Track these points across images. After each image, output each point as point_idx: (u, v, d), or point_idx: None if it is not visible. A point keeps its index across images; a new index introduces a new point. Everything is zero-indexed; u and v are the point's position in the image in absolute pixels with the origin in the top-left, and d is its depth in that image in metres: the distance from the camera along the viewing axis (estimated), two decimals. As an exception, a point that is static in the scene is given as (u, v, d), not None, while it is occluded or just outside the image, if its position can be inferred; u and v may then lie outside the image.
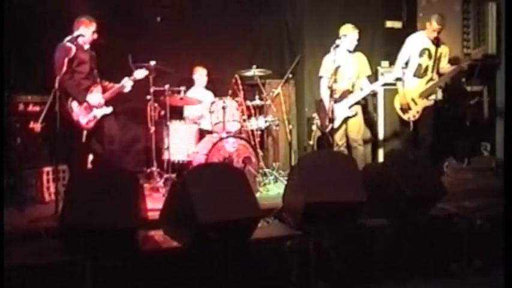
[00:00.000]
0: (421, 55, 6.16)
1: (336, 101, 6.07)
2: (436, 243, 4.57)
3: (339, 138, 6.21)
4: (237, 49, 7.21)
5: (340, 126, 6.18)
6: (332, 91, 5.89)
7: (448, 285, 4.37)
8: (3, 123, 5.22)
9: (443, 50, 6.18)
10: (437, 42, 6.14)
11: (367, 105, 6.79)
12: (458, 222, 4.71)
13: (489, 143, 7.10)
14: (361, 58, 6.26)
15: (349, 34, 6.08)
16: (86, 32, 5.35)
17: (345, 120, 6.18)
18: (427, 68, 6.15)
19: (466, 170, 6.68)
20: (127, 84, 5.66)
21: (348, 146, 6.29)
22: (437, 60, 6.15)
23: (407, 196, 4.47)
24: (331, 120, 5.89)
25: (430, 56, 6.13)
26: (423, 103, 6.14)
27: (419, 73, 6.18)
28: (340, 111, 6.13)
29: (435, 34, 6.07)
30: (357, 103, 6.16)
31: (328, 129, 6.10)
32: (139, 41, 6.53)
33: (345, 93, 6.15)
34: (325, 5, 7.30)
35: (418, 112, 6.16)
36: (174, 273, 3.78)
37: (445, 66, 6.17)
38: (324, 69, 6.25)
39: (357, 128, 6.21)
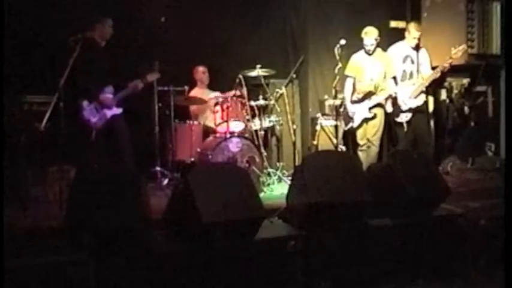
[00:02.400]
0: (404, 61, 6.41)
1: (356, 102, 6.31)
2: (440, 243, 4.56)
3: (359, 138, 6.39)
4: (241, 49, 7.20)
5: (360, 127, 6.32)
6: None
7: (451, 285, 4.37)
8: (3, 123, 5.23)
9: (424, 55, 6.39)
10: (417, 48, 6.37)
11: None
12: (462, 223, 4.70)
13: (493, 143, 7.09)
14: (386, 59, 6.34)
15: (364, 37, 6.22)
16: (101, 29, 5.36)
17: (365, 121, 6.28)
18: (411, 72, 6.39)
19: (470, 170, 6.68)
20: (139, 85, 5.68)
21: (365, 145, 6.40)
22: (420, 65, 6.34)
23: (411, 196, 4.47)
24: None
25: (412, 62, 6.37)
26: (413, 103, 6.29)
27: (405, 78, 6.40)
28: (360, 112, 6.25)
29: (416, 41, 6.33)
30: (378, 105, 6.24)
31: (346, 128, 6.42)
32: (144, 41, 6.54)
33: (367, 95, 6.25)
34: (329, 5, 7.30)
35: (410, 112, 6.31)
36: (177, 273, 3.79)
37: (428, 73, 6.30)
38: (348, 67, 6.35)
39: (374, 130, 6.30)
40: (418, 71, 6.34)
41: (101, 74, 5.47)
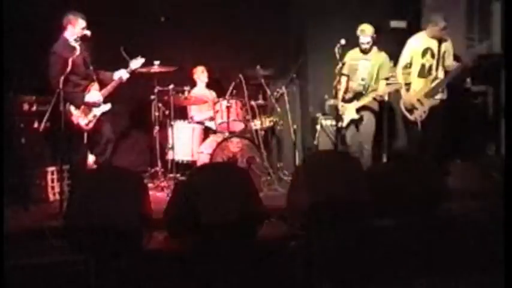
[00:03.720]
0: (423, 55, 6.12)
1: (347, 101, 6.19)
2: (440, 243, 4.55)
3: (348, 138, 6.25)
4: (242, 49, 7.20)
5: (348, 127, 6.20)
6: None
7: (451, 285, 4.36)
8: (3, 123, 5.23)
9: (447, 47, 6.11)
10: (439, 40, 6.08)
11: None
12: (462, 223, 4.70)
13: (493, 143, 7.08)
14: (380, 59, 6.19)
15: (360, 35, 6.10)
16: (73, 31, 5.23)
17: (353, 122, 6.17)
18: (430, 67, 6.10)
19: (470, 170, 6.66)
20: (124, 76, 5.56)
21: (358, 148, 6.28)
22: (441, 58, 6.09)
23: (411, 196, 4.46)
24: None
25: (433, 56, 6.08)
26: (429, 103, 6.08)
27: (424, 73, 6.13)
28: (348, 112, 6.17)
29: (442, 30, 6.00)
30: (367, 108, 6.14)
31: (335, 128, 6.26)
32: (144, 41, 6.54)
33: (357, 95, 6.18)
34: (329, 4, 7.30)
35: (424, 112, 6.10)
36: (177, 273, 3.79)
37: (450, 64, 6.10)
38: (345, 66, 6.22)
39: (365, 133, 6.18)
40: (438, 66, 6.09)
41: (85, 73, 5.39)
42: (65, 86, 4.97)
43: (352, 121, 6.16)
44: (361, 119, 6.14)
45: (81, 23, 5.29)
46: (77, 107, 5.26)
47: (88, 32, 5.31)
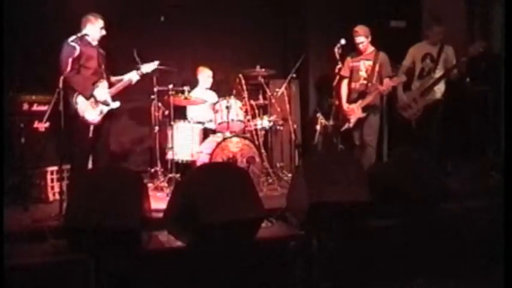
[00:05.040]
0: (423, 60, 6.29)
1: (352, 102, 6.24)
2: (440, 243, 4.56)
3: (356, 138, 6.32)
4: (241, 49, 7.20)
5: (356, 127, 6.24)
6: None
7: (451, 285, 4.36)
8: (4, 123, 5.22)
9: (447, 52, 6.22)
10: (440, 45, 6.22)
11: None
12: (462, 223, 4.70)
13: (494, 143, 7.08)
14: (380, 59, 6.20)
15: (355, 36, 6.13)
16: (92, 29, 5.33)
17: (360, 121, 6.19)
18: (429, 70, 6.24)
19: (470, 170, 6.66)
20: (134, 78, 5.58)
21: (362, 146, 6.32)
22: (441, 62, 6.20)
23: (411, 196, 4.47)
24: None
25: (432, 60, 6.23)
26: (424, 101, 6.19)
27: (423, 76, 6.28)
28: (355, 112, 6.18)
29: (440, 36, 6.18)
30: (372, 105, 6.14)
31: (343, 129, 6.28)
32: (143, 41, 6.53)
33: (361, 94, 6.18)
34: (329, 4, 7.30)
35: (419, 110, 6.22)
36: (177, 273, 3.79)
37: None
38: (343, 68, 6.27)
39: (369, 130, 6.20)
40: (436, 68, 6.18)
41: (96, 69, 5.39)
42: (75, 77, 5.09)
43: (359, 120, 6.19)
44: (367, 117, 6.17)
45: (100, 22, 5.41)
46: (86, 98, 5.26)
47: (104, 32, 5.42)
